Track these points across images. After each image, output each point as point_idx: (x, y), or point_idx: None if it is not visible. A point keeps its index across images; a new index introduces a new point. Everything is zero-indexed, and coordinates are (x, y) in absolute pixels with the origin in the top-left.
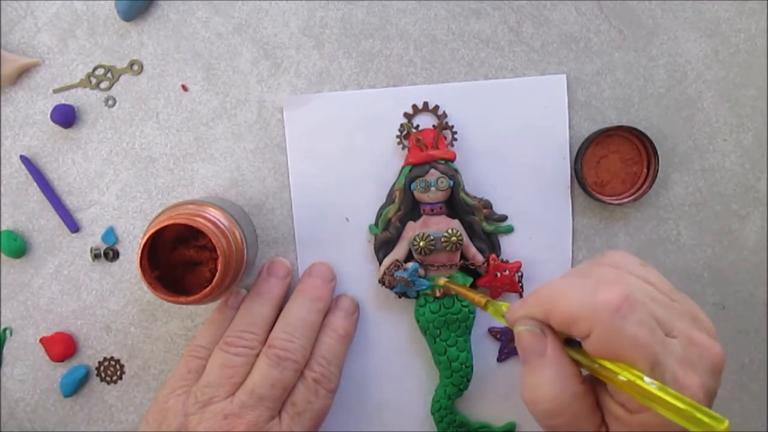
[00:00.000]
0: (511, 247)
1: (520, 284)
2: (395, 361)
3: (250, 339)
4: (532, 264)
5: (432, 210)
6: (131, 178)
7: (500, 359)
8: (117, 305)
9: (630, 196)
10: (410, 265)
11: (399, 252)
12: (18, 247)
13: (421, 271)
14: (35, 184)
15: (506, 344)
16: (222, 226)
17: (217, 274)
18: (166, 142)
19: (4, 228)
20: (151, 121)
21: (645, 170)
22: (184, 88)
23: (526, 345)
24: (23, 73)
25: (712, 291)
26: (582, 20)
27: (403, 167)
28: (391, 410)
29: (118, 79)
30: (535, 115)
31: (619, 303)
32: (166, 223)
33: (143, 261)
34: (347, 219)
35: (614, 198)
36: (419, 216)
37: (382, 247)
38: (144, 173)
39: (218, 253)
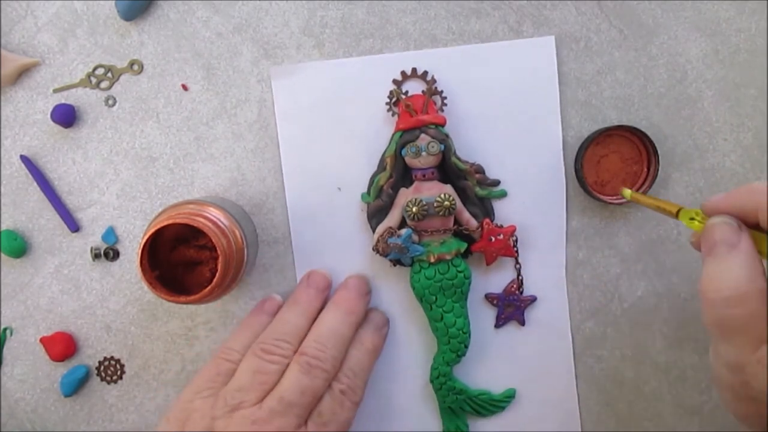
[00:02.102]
0: (505, 212)
1: (515, 249)
2: (392, 331)
3: (285, 348)
4: (526, 228)
5: (424, 176)
6: (131, 178)
7: (498, 325)
8: (117, 305)
9: None
10: (403, 231)
11: (392, 219)
12: (18, 247)
13: (415, 237)
14: (35, 184)
15: (503, 310)
16: (222, 226)
17: (218, 274)
18: (166, 142)
19: (4, 228)
20: (151, 121)
21: (645, 170)
22: (184, 87)
23: (718, 236)
24: (23, 73)
25: None
26: (582, 20)
27: (393, 134)
28: (390, 380)
29: (118, 79)
30: (524, 77)
31: None
32: (166, 223)
33: (143, 261)
34: (339, 188)
35: (614, 198)
36: (411, 183)
37: (375, 215)
38: (144, 173)
39: (218, 252)
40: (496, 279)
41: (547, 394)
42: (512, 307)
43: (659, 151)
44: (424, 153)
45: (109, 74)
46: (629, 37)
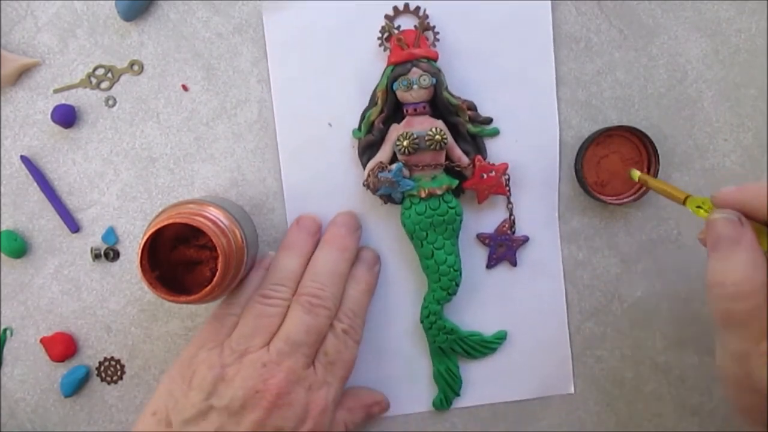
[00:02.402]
0: (497, 151)
1: (507, 187)
2: (382, 271)
3: (283, 291)
4: (518, 167)
5: (415, 110)
6: (131, 178)
7: (489, 266)
8: (117, 305)
9: (630, 196)
10: (394, 166)
11: (383, 154)
12: (18, 247)
13: (406, 172)
14: (35, 184)
15: (495, 250)
16: (222, 225)
17: (218, 273)
18: (166, 142)
19: (4, 228)
20: (151, 121)
21: (645, 170)
22: (184, 88)
23: (720, 232)
24: (23, 73)
25: None
26: (582, 20)
27: (385, 68)
28: (380, 320)
29: (118, 79)
30: (518, 16)
31: None
32: (166, 223)
33: (143, 261)
34: (330, 124)
35: (614, 198)
36: (403, 119)
37: (366, 151)
38: (144, 173)
39: (218, 252)
40: (488, 219)
41: (538, 337)
42: (504, 247)
43: (659, 151)
44: (415, 86)
45: (109, 74)
46: (629, 37)
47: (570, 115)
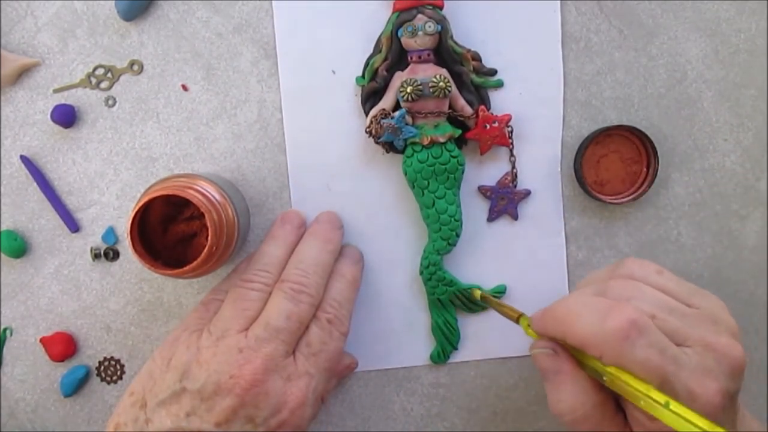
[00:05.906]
0: (501, 103)
1: (510, 139)
2: (383, 220)
3: (265, 276)
4: (522, 120)
5: (420, 57)
6: (131, 178)
7: (490, 219)
8: (117, 305)
9: (630, 195)
10: (397, 112)
11: (386, 102)
12: (18, 247)
13: (409, 119)
14: (35, 184)
15: (496, 203)
16: (204, 191)
17: (209, 238)
18: (166, 142)
19: (4, 228)
20: (151, 121)
21: (645, 170)
22: (184, 88)
23: (543, 365)
24: (23, 73)
25: (712, 291)
26: (582, 20)
27: (390, 15)
28: (379, 272)
29: (118, 79)
30: None
31: (626, 330)
32: (154, 195)
33: (133, 233)
34: (333, 72)
35: (614, 198)
36: (407, 67)
37: (369, 99)
38: (144, 173)
39: (206, 218)
40: (490, 171)
41: (537, 292)
42: (505, 200)
43: (659, 151)
44: (420, 33)
45: (109, 74)
46: (629, 37)
47: (570, 114)
